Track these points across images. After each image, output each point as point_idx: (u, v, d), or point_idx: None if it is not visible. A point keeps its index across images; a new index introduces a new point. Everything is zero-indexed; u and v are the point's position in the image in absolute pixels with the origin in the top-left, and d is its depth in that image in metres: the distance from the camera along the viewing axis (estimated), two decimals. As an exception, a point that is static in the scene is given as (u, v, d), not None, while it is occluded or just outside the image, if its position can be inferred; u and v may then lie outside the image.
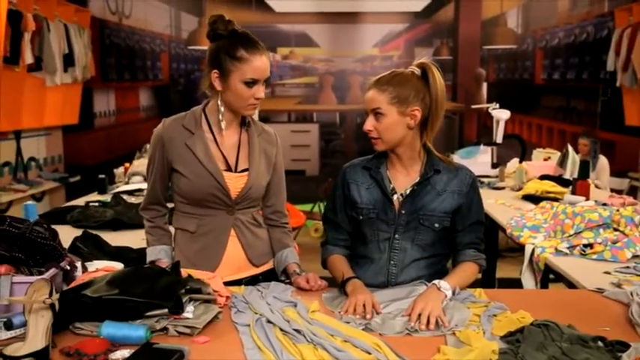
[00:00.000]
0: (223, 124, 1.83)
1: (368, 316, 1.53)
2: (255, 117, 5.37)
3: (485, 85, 6.45)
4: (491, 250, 4.05)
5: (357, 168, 1.85)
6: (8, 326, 1.36)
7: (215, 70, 1.76)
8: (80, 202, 3.30)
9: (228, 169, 1.84)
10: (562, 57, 6.36)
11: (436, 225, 1.76)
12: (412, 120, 1.73)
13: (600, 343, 1.34)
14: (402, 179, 1.80)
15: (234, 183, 1.83)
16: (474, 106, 5.51)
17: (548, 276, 2.39)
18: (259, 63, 1.73)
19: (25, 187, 5.15)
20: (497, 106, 4.39)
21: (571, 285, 2.06)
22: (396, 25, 6.56)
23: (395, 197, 1.77)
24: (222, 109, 1.81)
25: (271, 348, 1.32)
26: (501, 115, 4.24)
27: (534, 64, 6.51)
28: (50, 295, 1.24)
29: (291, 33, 6.62)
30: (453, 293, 1.65)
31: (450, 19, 6.51)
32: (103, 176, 3.67)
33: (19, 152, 5.41)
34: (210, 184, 1.80)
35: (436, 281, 1.65)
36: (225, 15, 1.78)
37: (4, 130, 4.94)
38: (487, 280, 4.03)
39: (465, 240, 1.82)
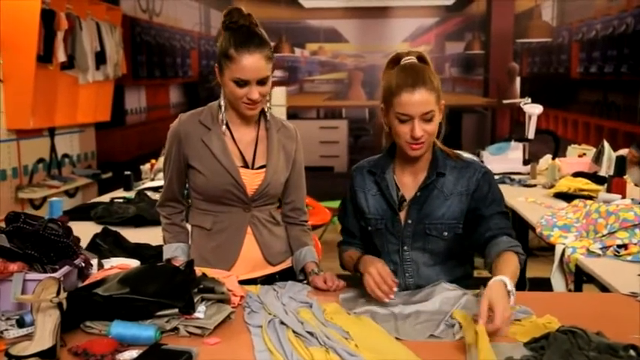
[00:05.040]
0: (223, 120, 1.80)
1: (390, 285, 1.48)
2: (283, 114, 5.31)
3: (518, 80, 6.29)
4: (522, 249, 3.93)
5: (364, 172, 1.76)
6: (21, 324, 1.35)
7: (216, 64, 1.74)
8: (106, 198, 3.33)
9: (245, 165, 1.81)
10: (600, 50, 6.14)
11: (445, 233, 1.64)
12: (441, 115, 1.64)
13: (632, 352, 1.26)
14: (411, 184, 1.69)
15: (251, 180, 1.80)
16: (505, 101, 5.37)
17: (582, 277, 2.29)
18: (246, 63, 1.65)
19: (58, 183, 5.22)
20: (529, 100, 4.25)
21: (604, 288, 1.96)
22: (426, 19, 6.45)
23: (404, 204, 1.68)
24: (222, 102, 1.80)
25: (282, 351, 1.28)
26: (533, 110, 4.11)
27: (570, 57, 6.31)
28: (58, 293, 1.23)
29: (320, 28, 6.57)
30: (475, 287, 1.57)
31: (482, 13, 6.36)
32: (128, 173, 3.69)
33: (53, 149, 5.50)
34: (225, 181, 1.77)
35: (500, 278, 1.39)
36: (244, 9, 1.74)
37: (38, 128, 5.03)
38: (518, 281, 3.91)
39: (493, 225, 1.60)
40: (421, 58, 1.65)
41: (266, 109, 1.83)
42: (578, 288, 2.55)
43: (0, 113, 4.57)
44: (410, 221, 1.66)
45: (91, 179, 5.83)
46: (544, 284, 3.21)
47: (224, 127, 1.81)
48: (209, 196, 1.81)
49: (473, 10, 6.39)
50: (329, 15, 6.54)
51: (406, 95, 1.55)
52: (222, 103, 1.80)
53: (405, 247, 1.68)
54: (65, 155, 5.75)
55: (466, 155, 1.78)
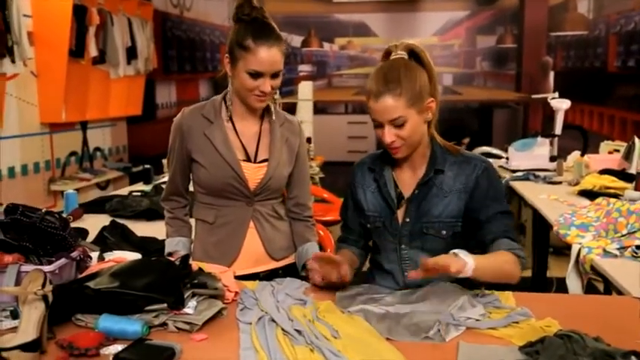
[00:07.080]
0: (226, 114, 1.80)
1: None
2: (310, 109, 5.22)
3: (552, 74, 6.10)
4: (542, 248, 3.82)
5: (364, 168, 1.73)
6: (15, 315, 1.37)
7: (227, 55, 1.72)
8: (124, 191, 3.38)
9: (248, 159, 1.80)
10: (638, 43, 5.91)
11: (443, 232, 1.59)
12: (430, 113, 1.58)
13: (634, 359, 1.20)
14: (409, 181, 1.65)
15: (253, 174, 1.79)
16: (534, 96, 5.23)
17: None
18: (265, 55, 1.65)
19: (90, 176, 5.34)
20: (557, 95, 4.12)
21: (620, 291, 1.88)
22: (456, 13, 6.33)
23: (402, 202, 1.64)
24: (228, 95, 1.80)
25: (267, 349, 1.27)
26: (560, 104, 3.97)
27: (607, 51, 6.09)
28: (43, 286, 1.24)
29: (349, 23, 6.53)
30: (477, 287, 1.50)
31: (514, 6, 6.21)
32: (148, 166, 3.74)
33: (85, 142, 5.62)
34: (227, 175, 1.77)
35: (454, 250, 1.44)
36: (265, 3, 1.73)
37: (70, 121, 5.15)
38: (538, 280, 3.81)
39: (494, 228, 1.56)
40: (413, 52, 1.59)
41: (271, 103, 1.83)
42: (607, 290, 2.46)
43: (33, 107, 4.69)
44: (408, 219, 1.62)
45: (123, 172, 5.93)
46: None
47: (227, 120, 1.81)
48: (212, 190, 1.81)
49: (505, 3, 6.24)
50: (358, 9, 6.48)
51: (372, 102, 1.54)
52: (229, 95, 1.80)
53: (403, 246, 1.64)
54: (97, 149, 5.87)
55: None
